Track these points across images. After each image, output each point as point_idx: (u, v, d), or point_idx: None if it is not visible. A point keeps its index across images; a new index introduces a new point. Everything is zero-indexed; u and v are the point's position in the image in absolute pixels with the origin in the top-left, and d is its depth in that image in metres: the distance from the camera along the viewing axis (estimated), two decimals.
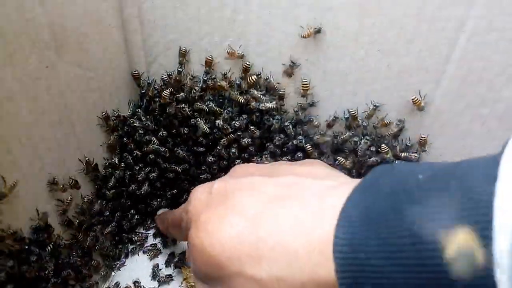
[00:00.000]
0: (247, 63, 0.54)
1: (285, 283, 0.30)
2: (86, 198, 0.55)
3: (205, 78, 0.55)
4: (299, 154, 0.58)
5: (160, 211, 0.62)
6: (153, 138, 0.59)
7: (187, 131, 0.59)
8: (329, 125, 0.57)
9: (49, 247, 0.48)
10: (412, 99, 0.51)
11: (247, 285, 0.32)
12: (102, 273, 0.59)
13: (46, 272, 0.48)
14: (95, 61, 0.51)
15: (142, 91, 0.59)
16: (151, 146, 0.59)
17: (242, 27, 0.52)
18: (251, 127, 0.57)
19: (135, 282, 0.61)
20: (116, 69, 0.55)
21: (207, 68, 0.55)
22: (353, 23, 0.48)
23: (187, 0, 0.51)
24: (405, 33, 0.48)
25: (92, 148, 0.55)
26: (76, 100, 0.50)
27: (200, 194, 0.40)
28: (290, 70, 0.53)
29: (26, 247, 0.46)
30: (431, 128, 0.53)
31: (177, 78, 0.56)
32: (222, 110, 0.57)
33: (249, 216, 0.34)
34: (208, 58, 0.55)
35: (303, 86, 0.53)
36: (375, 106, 0.53)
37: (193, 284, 0.60)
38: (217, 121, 0.57)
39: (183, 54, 0.55)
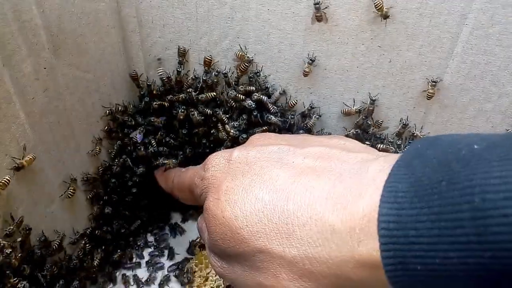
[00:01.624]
0: (245, 64, 0.54)
1: (318, 262, 0.28)
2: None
3: (204, 78, 0.55)
4: None
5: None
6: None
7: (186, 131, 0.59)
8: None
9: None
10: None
11: (273, 264, 0.30)
12: None
13: None
14: (93, 63, 0.50)
15: (142, 92, 0.58)
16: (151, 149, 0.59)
17: (241, 25, 0.51)
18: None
19: None
20: (114, 70, 0.54)
21: (206, 68, 0.55)
22: (352, 18, 0.48)
23: None
24: (406, 27, 0.47)
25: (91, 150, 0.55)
26: (74, 102, 0.49)
27: (218, 161, 0.38)
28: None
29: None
30: (435, 124, 0.52)
31: (178, 78, 0.56)
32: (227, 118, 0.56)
33: (277, 188, 0.31)
34: (207, 57, 0.54)
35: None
36: (372, 100, 0.52)
37: None
38: (227, 126, 0.56)
39: (182, 54, 0.55)
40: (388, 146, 0.53)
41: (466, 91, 0.49)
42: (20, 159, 0.43)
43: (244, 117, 0.55)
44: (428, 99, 0.50)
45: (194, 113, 0.55)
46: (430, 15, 0.45)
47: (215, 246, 0.34)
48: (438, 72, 0.49)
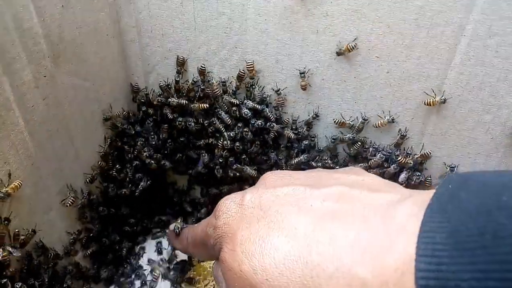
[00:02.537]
0: (241, 71, 0.54)
1: None
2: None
3: (203, 87, 0.55)
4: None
5: (172, 225, 0.55)
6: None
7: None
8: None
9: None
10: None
11: None
12: None
13: None
14: (92, 71, 0.51)
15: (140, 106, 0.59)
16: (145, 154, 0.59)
17: (239, 35, 0.52)
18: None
19: None
20: (114, 79, 0.55)
21: (201, 77, 0.55)
22: (350, 29, 0.48)
23: (183, 9, 0.51)
24: (404, 39, 0.47)
25: (90, 158, 0.56)
26: (74, 110, 0.50)
27: (229, 206, 0.35)
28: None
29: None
30: (433, 135, 0.52)
31: (176, 87, 0.56)
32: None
33: (297, 236, 0.29)
34: (201, 67, 0.55)
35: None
36: (364, 119, 0.53)
37: None
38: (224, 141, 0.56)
39: (181, 63, 0.55)
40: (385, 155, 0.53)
41: (464, 102, 0.49)
42: (5, 187, 0.42)
43: (240, 125, 0.56)
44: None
45: (191, 123, 0.56)
46: (428, 26, 0.45)
47: None
48: (437, 83, 0.48)
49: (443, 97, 0.48)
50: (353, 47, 0.48)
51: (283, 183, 0.35)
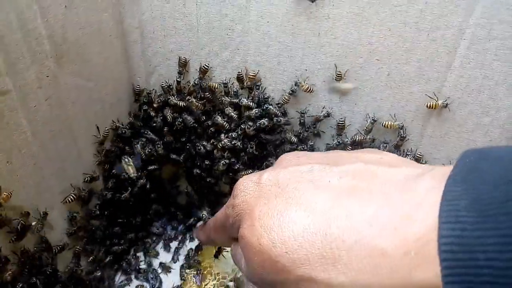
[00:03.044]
0: (239, 72, 0.54)
1: None
2: None
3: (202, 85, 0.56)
4: None
5: (199, 223, 0.53)
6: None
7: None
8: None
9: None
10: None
11: None
12: None
13: None
14: (95, 72, 0.51)
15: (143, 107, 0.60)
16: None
17: (241, 37, 0.52)
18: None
19: None
20: (117, 79, 0.55)
21: (201, 75, 0.56)
22: (351, 32, 0.48)
23: (186, 10, 0.52)
24: (404, 41, 0.47)
25: (93, 158, 0.56)
26: (77, 111, 0.50)
27: (247, 185, 0.35)
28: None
29: None
30: (433, 137, 0.53)
31: (178, 87, 0.56)
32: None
33: (316, 211, 0.29)
34: (205, 66, 0.55)
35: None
36: (373, 120, 0.53)
37: None
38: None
39: (183, 64, 0.55)
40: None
41: (464, 105, 0.49)
42: None
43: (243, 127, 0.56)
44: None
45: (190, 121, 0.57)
46: (428, 29, 0.46)
47: (254, 275, 0.32)
48: (437, 86, 0.49)
49: (445, 101, 0.49)
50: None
51: (300, 162, 0.35)
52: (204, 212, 0.51)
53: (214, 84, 0.56)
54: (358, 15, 0.47)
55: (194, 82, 0.56)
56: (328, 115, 0.55)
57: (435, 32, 0.46)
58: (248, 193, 0.35)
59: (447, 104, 0.49)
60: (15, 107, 0.42)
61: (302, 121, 0.56)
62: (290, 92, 0.54)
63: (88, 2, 0.47)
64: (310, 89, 0.53)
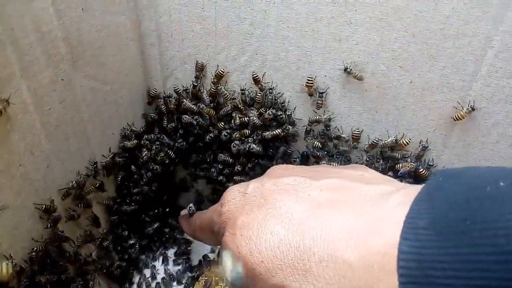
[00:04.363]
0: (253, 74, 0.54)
1: None
2: None
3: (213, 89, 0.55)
4: None
5: (183, 212, 0.56)
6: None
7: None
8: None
9: None
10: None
11: None
12: None
13: None
14: (111, 75, 0.51)
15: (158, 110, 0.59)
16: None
17: (260, 41, 0.51)
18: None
19: None
20: (132, 82, 0.55)
21: (214, 80, 0.55)
22: (373, 37, 0.47)
23: (204, 14, 0.51)
24: (429, 48, 0.46)
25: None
26: (91, 114, 0.50)
27: (234, 195, 0.38)
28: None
29: None
30: (456, 147, 0.51)
31: (194, 92, 0.56)
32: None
33: (292, 222, 0.30)
34: (220, 71, 0.54)
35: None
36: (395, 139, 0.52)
37: None
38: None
39: (200, 69, 0.54)
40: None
41: (489, 115, 0.47)
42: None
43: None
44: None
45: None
46: (454, 36, 0.44)
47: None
48: (461, 95, 0.47)
49: (469, 107, 0.47)
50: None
51: (285, 174, 0.37)
52: (191, 204, 0.52)
53: (226, 91, 0.55)
54: (381, 20, 0.46)
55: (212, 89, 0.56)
56: (329, 119, 0.54)
57: (461, 39, 0.44)
58: (234, 203, 0.37)
59: (473, 108, 0.47)
60: (29, 109, 0.41)
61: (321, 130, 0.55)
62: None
63: (105, 5, 0.47)
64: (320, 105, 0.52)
